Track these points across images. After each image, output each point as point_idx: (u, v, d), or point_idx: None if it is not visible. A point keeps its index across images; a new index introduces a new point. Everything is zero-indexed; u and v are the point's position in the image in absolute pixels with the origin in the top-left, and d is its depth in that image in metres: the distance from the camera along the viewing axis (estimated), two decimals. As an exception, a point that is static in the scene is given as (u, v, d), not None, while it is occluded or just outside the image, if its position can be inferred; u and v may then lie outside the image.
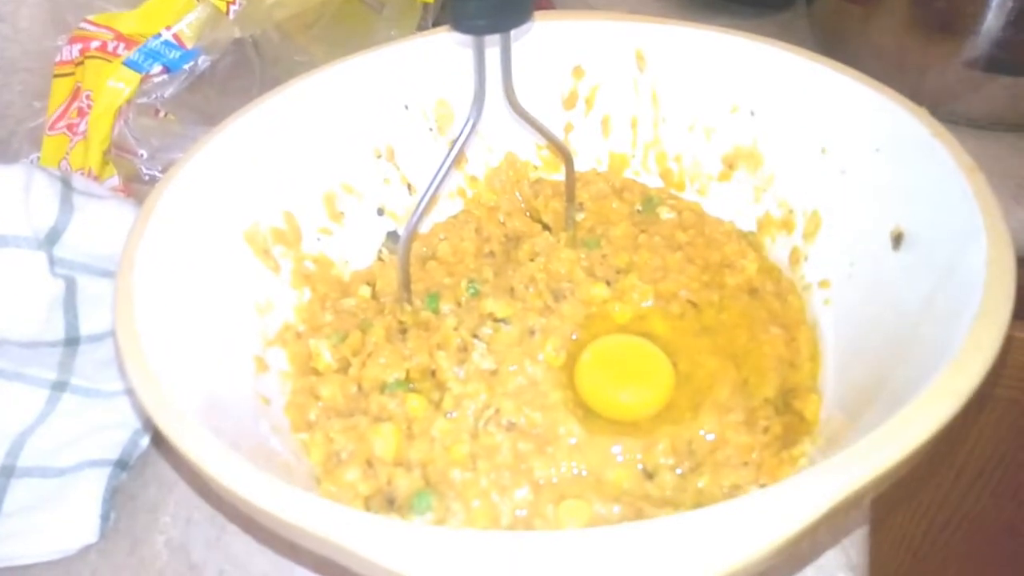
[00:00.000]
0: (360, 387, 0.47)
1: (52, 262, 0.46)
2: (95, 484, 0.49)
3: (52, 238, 0.46)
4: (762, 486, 0.39)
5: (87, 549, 0.48)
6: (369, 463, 0.40)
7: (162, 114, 0.67)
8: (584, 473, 0.41)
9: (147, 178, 0.57)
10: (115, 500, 0.50)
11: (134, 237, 0.43)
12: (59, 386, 0.51)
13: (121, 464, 0.50)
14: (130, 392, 0.50)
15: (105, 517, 0.48)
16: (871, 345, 0.43)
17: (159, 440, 0.51)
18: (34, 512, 0.48)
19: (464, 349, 0.47)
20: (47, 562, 0.48)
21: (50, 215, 0.46)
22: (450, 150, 0.47)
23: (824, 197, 0.50)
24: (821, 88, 0.50)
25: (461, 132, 0.47)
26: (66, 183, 0.49)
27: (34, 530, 0.47)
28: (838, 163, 0.49)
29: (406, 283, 0.51)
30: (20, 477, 0.49)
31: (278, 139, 0.53)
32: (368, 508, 0.39)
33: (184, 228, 0.45)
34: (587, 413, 0.45)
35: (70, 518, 0.47)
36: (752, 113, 0.55)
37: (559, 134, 0.62)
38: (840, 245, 0.49)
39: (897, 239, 0.43)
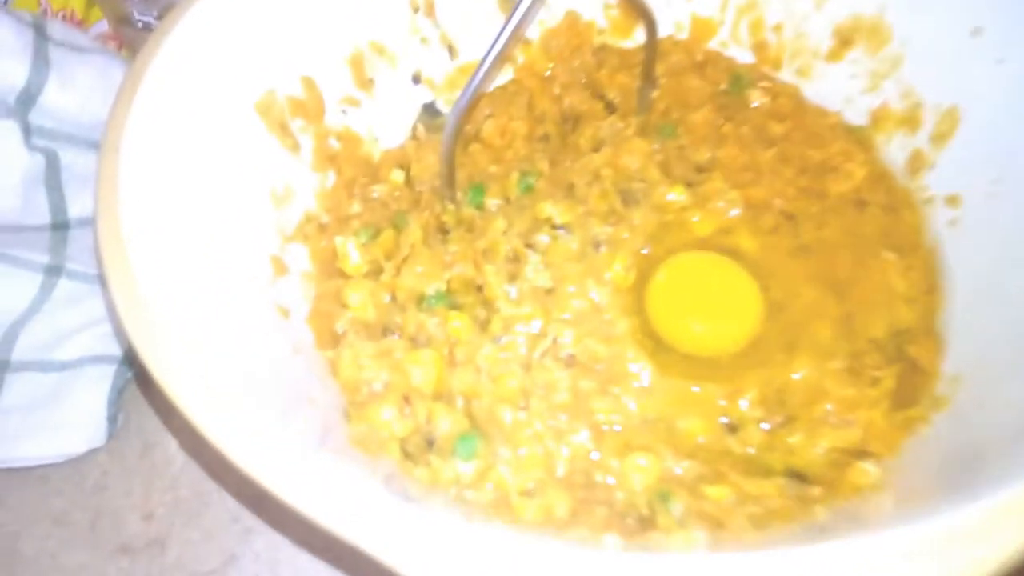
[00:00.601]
0: (394, 297, 0.40)
1: (27, 131, 0.38)
2: (100, 383, 0.44)
3: (25, 102, 0.38)
4: (870, 454, 0.33)
5: (95, 451, 0.45)
6: (406, 398, 0.34)
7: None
8: (655, 420, 0.35)
9: (139, 25, 0.47)
10: (123, 400, 0.46)
11: (120, 107, 0.34)
12: (53, 271, 0.45)
13: (127, 360, 0.45)
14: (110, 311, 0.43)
15: (112, 419, 0.44)
16: (1014, 289, 0.35)
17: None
18: (35, 411, 0.43)
19: (515, 260, 0.40)
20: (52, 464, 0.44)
21: (20, 73, 0.38)
22: (511, 15, 0.37)
23: (968, 91, 0.41)
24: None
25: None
26: (40, 31, 0.40)
27: (36, 430, 0.43)
28: (994, 49, 0.39)
29: (450, 178, 0.43)
30: (17, 371, 0.44)
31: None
32: (404, 451, 0.34)
33: (183, 96, 0.37)
34: (659, 345, 0.38)
35: (74, 419, 0.43)
36: (884, -26, 0.44)
37: (633, -10, 0.51)
38: (981, 155, 0.40)
39: (1073, 159, 0.34)
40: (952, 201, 0.41)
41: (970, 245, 0.39)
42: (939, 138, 0.42)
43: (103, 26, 0.51)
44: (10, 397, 0.43)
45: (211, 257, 0.34)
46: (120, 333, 0.44)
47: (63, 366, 0.44)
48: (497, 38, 0.39)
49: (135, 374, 0.46)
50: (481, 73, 0.39)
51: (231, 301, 0.33)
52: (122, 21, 0.48)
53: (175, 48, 0.37)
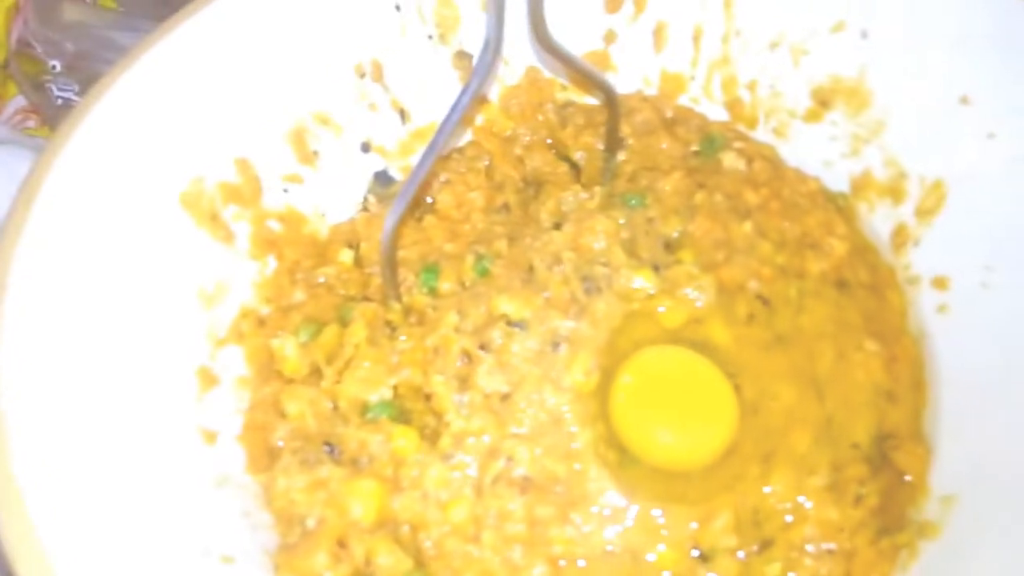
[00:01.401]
0: (336, 406, 0.37)
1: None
2: None
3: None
4: (853, 592, 0.30)
5: None
6: (341, 541, 0.31)
7: (92, -2, 0.52)
8: (619, 551, 0.32)
9: (59, 101, 0.44)
10: None
11: (15, 218, 0.31)
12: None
13: None
14: None
15: None
16: (1011, 393, 0.32)
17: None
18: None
19: (467, 361, 0.37)
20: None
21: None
22: (462, 93, 0.34)
23: (956, 164, 0.38)
24: (972, 9, 0.36)
25: (475, 71, 0.34)
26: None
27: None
28: (985, 122, 0.36)
29: (392, 279, 0.39)
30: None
31: (232, 54, 0.40)
32: (340, 600, 0.30)
33: (93, 194, 0.34)
34: (624, 457, 0.35)
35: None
36: (864, 35, 0.41)
37: (597, 43, 0.48)
38: (971, 235, 0.37)
39: (1072, 255, 0.31)
40: (940, 283, 0.38)
41: (961, 336, 0.36)
42: (925, 212, 0.39)
43: (20, 102, 0.47)
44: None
45: (112, 391, 0.30)
46: None
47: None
48: (448, 117, 0.36)
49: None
50: (426, 164, 0.35)
51: (134, 443, 0.30)
52: (39, 92, 0.45)
53: (88, 139, 0.34)
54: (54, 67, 0.44)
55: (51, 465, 0.24)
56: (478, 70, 0.35)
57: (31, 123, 0.47)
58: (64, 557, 0.22)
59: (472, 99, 0.35)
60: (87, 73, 0.45)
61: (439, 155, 0.37)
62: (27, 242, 0.30)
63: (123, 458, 0.28)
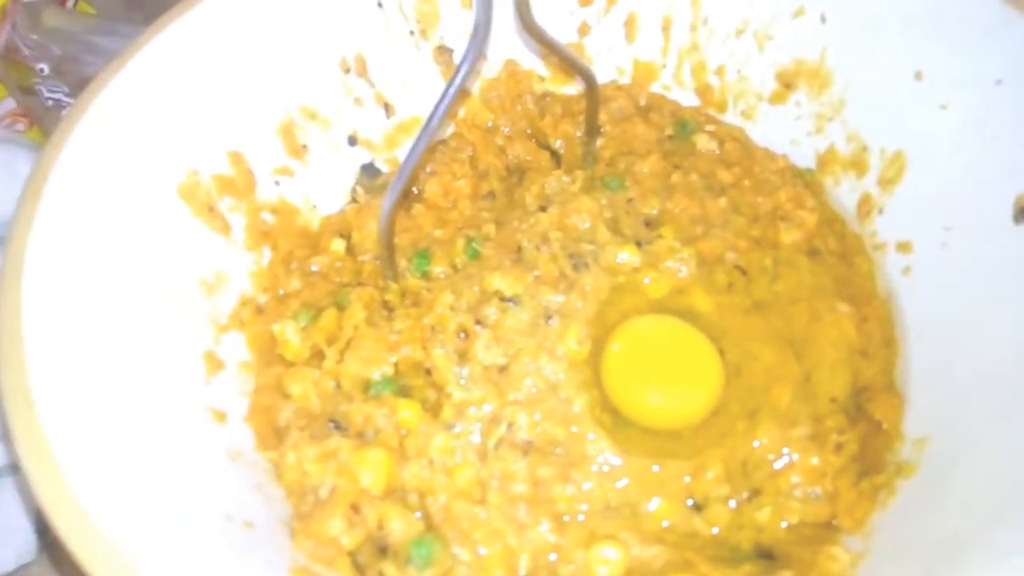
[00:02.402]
0: (339, 384, 0.38)
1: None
2: (23, 494, 0.41)
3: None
4: (840, 529, 0.32)
5: (27, 565, 0.41)
6: (355, 506, 0.32)
7: (73, 4, 0.53)
8: (618, 505, 0.34)
9: (49, 102, 0.44)
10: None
11: (26, 206, 0.32)
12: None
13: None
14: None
15: (43, 532, 0.41)
16: (973, 343, 0.34)
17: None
18: (-46, 528, 0.40)
19: (464, 336, 0.38)
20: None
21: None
22: (452, 80, 0.36)
23: (913, 136, 0.40)
24: (922, -10, 0.39)
25: (465, 54, 0.35)
26: (-65, 124, 0.37)
27: (-43, 550, 0.40)
28: (938, 94, 0.39)
29: (390, 260, 0.41)
30: (-68, 486, 0.41)
31: (221, 52, 0.41)
32: (355, 564, 0.31)
33: (96, 189, 0.35)
34: (618, 420, 0.37)
35: (1, 535, 0.40)
36: (823, 18, 0.43)
37: (572, 35, 0.50)
38: (932, 201, 0.39)
39: (1023, 209, 0.34)
40: (904, 247, 0.40)
41: (925, 295, 0.38)
42: (887, 182, 0.42)
43: (11, 103, 0.48)
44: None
45: (129, 371, 0.31)
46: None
47: (-15, 476, 0.41)
48: (436, 107, 0.37)
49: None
50: (419, 149, 0.37)
51: (154, 420, 0.31)
52: (29, 95, 0.45)
53: (86, 137, 0.35)
54: (42, 70, 0.44)
55: (83, 438, 0.25)
56: (469, 52, 0.36)
57: (20, 126, 0.47)
58: (104, 519, 0.23)
59: (464, 80, 0.36)
60: (74, 75, 0.45)
61: (431, 139, 0.38)
62: (38, 232, 0.31)
63: (146, 433, 0.29)
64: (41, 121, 0.46)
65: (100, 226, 0.34)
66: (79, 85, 0.46)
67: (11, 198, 0.37)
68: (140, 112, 0.37)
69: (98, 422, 0.27)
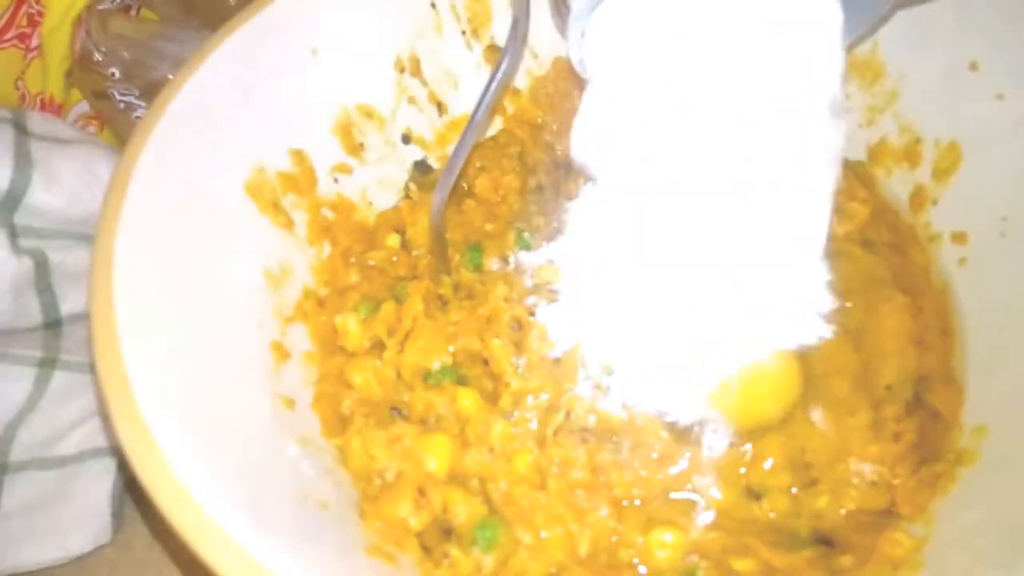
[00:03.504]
0: (399, 374, 0.39)
1: (13, 234, 0.37)
2: (102, 477, 0.43)
3: (9, 205, 0.37)
4: (899, 516, 0.32)
5: (102, 547, 0.43)
6: (421, 490, 0.33)
7: (136, 11, 0.55)
8: (676, 491, 0.34)
9: (121, 105, 0.46)
10: (127, 492, 0.44)
11: (111, 204, 0.34)
12: (47, 363, 0.44)
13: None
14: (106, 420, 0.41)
15: (117, 514, 0.43)
16: (1033, 332, 0.34)
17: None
18: (37, 512, 0.42)
19: (520, 327, 0.39)
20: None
21: (3, 176, 0.37)
22: (495, 72, 0.37)
23: (968, 126, 0.40)
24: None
25: (506, 48, 0.36)
26: (20, 128, 0.39)
27: (39, 533, 0.42)
28: (993, 84, 0.39)
29: (442, 254, 0.42)
30: (15, 472, 0.43)
31: (282, 54, 0.43)
32: (423, 546, 0.33)
33: (173, 187, 0.36)
34: (673, 408, 0.37)
35: (79, 518, 0.42)
36: (875, 9, 0.43)
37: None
38: (986, 191, 0.39)
39: (1083, 198, 0.34)
40: (959, 238, 0.40)
41: (981, 285, 0.38)
42: (941, 173, 0.41)
43: (84, 107, 0.50)
44: (10, 500, 0.42)
45: (210, 356, 0.33)
46: (108, 428, 0.43)
47: (63, 462, 0.43)
48: (480, 101, 0.38)
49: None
50: (466, 145, 0.38)
51: (232, 403, 0.32)
52: (102, 99, 0.47)
53: (163, 136, 0.37)
54: (113, 74, 0.46)
55: (178, 421, 0.27)
56: (508, 47, 0.37)
57: (91, 129, 0.49)
58: (204, 497, 0.25)
59: (505, 77, 0.37)
60: (143, 79, 0.47)
61: (478, 136, 0.39)
62: (124, 227, 0.32)
63: (228, 418, 0.30)
64: (113, 123, 0.48)
65: (178, 222, 0.35)
66: (148, 88, 0.48)
67: (91, 196, 0.39)
68: (210, 114, 0.39)
69: (189, 406, 0.28)
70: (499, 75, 0.37)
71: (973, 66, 0.39)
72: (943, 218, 0.41)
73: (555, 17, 0.40)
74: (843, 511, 0.34)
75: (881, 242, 0.42)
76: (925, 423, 0.35)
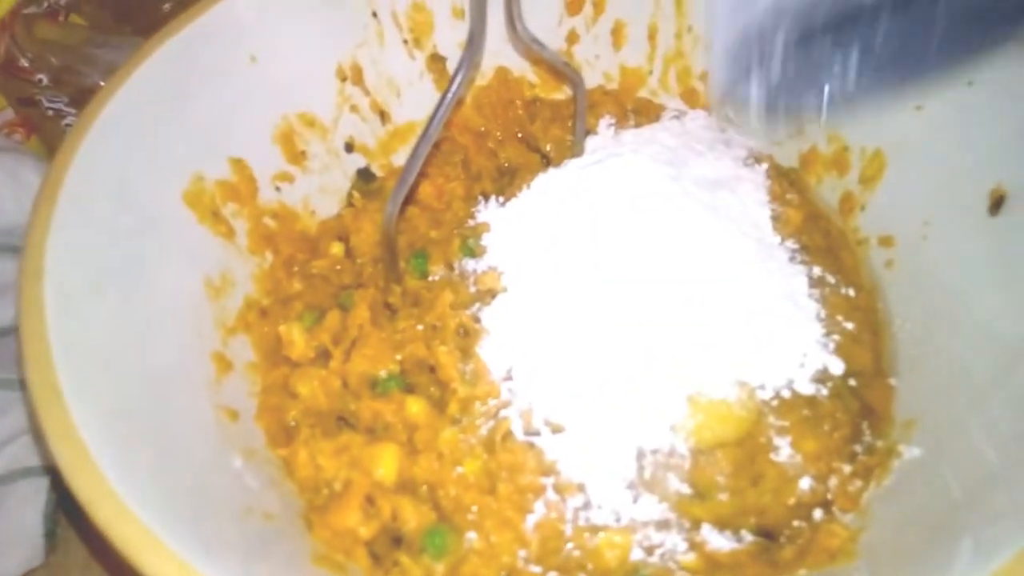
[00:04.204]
0: (346, 383, 0.39)
1: (-67, 245, 0.35)
2: (34, 497, 0.41)
3: (-72, 214, 0.35)
4: (834, 505, 0.34)
5: (34, 570, 0.41)
6: (369, 498, 0.33)
7: (64, 17, 0.53)
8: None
9: (50, 112, 0.45)
10: (61, 511, 0.43)
11: (40, 215, 0.32)
12: (-29, 380, 0.42)
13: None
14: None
15: (50, 534, 0.41)
16: (955, 331, 0.36)
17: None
18: (-40, 536, 0.40)
19: (466, 334, 0.39)
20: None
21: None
22: (448, 87, 0.37)
23: (891, 134, 0.42)
24: None
25: (461, 62, 0.36)
26: (-61, 133, 0.37)
27: (-37, 558, 0.39)
28: (912, 95, 0.41)
29: (394, 262, 0.42)
30: (-63, 495, 0.40)
31: (220, 61, 0.42)
32: (372, 554, 0.32)
33: (106, 196, 0.35)
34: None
35: (9, 540, 0.40)
36: (803, 25, 0.45)
37: (561, 43, 0.52)
38: (911, 197, 0.41)
39: (997, 201, 0.36)
40: (885, 242, 0.42)
41: (908, 286, 0.40)
42: (868, 180, 0.43)
43: (9, 114, 0.48)
44: (-66, 523, 0.40)
45: (148, 368, 0.32)
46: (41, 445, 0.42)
47: (-10, 482, 0.41)
48: (435, 113, 0.38)
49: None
50: (420, 156, 0.37)
51: (172, 415, 0.31)
52: (28, 106, 0.46)
53: (96, 145, 0.36)
54: (40, 80, 0.45)
55: (112, 433, 0.26)
56: (464, 61, 0.37)
57: (17, 137, 0.47)
58: (143, 511, 0.24)
59: (460, 87, 0.38)
60: (73, 86, 0.46)
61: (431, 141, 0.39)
62: (55, 236, 0.31)
63: (168, 430, 0.30)
64: (41, 130, 0.46)
65: (112, 231, 0.34)
66: (78, 95, 0.46)
67: (19, 205, 0.37)
68: (146, 121, 0.38)
69: (127, 420, 0.27)
70: (454, 87, 0.37)
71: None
72: (871, 223, 0.43)
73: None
74: (785, 505, 0.34)
75: (814, 246, 0.44)
76: (860, 418, 0.37)
